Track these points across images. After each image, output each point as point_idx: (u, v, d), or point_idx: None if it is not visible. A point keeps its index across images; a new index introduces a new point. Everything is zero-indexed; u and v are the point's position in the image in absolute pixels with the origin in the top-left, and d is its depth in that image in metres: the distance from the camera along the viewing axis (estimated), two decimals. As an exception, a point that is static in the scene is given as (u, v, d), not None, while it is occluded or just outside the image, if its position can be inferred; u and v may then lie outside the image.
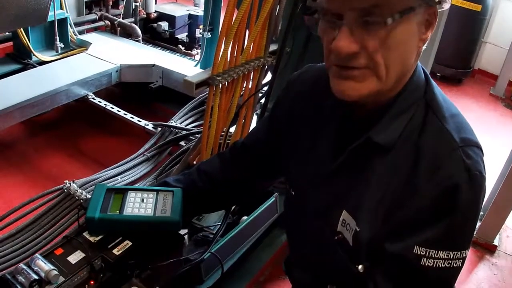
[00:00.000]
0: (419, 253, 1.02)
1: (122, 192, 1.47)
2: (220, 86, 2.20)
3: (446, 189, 0.99)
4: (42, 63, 4.27)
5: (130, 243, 1.36)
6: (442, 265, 1.02)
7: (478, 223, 3.47)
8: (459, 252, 1.03)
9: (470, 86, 6.70)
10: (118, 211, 1.40)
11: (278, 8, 2.28)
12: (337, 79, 1.03)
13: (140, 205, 1.42)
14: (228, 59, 2.18)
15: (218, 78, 2.13)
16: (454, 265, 1.03)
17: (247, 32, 2.24)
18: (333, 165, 1.15)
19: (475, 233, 3.41)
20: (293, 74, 1.40)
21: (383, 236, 1.06)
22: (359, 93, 1.02)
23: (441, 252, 1.02)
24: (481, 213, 3.42)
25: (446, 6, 1.04)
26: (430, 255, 1.02)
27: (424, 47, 1.06)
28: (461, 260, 1.04)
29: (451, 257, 1.03)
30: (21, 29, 4.07)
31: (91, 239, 1.36)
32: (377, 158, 1.08)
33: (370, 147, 1.07)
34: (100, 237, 1.37)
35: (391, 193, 1.05)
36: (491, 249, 3.48)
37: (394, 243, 1.05)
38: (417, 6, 0.96)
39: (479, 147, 1.06)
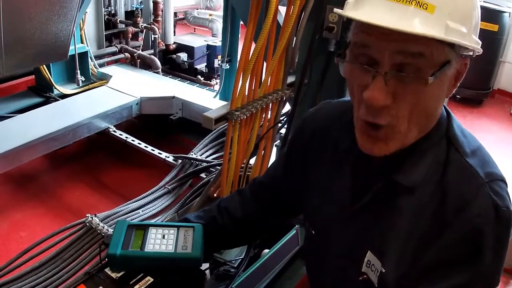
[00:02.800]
0: None
1: (143, 228, 1.47)
2: (239, 120, 2.21)
3: (475, 227, 0.97)
4: (63, 96, 4.36)
5: (151, 279, 1.35)
6: None
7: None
8: None
9: (490, 107, 6.67)
10: (139, 248, 1.39)
11: (294, 40, 2.30)
12: (366, 137, 1.03)
13: (161, 242, 1.42)
14: (246, 94, 2.20)
15: (236, 113, 2.14)
16: None
17: (265, 64, 2.26)
18: (356, 206, 1.14)
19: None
20: (308, 111, 1.40)
21: (413, 277, 1.03)
22: (386, 152, 1.02)
23: None
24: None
25: (478, 52, 1.02)
26: None
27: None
28: None
29: None
30: (42, 63, 4.15)
31: (113, 275, 1.36)
32: (401, 198, 1.06)
33: (394, 188, 1.06)
34: (121, 273, 1.36)
35: (419, 232, 1.03)
36: (518, 275, 3.40)
37: None
38: (452, 59, 0.95)
39: (503, 180, 1.04)
